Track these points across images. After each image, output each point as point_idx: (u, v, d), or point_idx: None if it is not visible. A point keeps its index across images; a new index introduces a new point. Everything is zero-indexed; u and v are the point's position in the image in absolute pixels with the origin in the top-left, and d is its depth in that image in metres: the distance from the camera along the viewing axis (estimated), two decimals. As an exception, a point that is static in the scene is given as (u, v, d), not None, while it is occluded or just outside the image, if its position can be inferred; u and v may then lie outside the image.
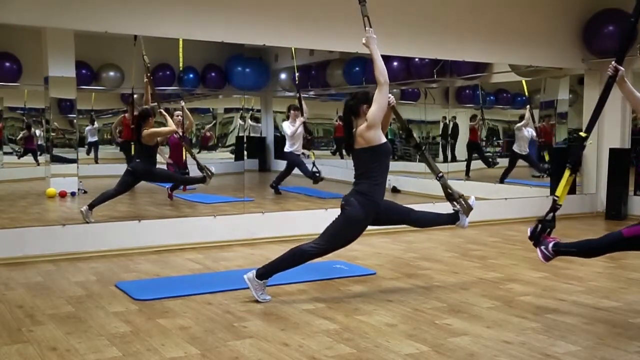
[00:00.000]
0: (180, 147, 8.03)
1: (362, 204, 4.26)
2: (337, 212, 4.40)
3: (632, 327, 3.81)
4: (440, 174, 4.90)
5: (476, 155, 10.03)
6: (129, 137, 7.77)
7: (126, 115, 8.14)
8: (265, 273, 4.31)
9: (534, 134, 9.55)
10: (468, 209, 4.79)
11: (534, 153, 9.83)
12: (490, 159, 10.13)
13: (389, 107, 4.58)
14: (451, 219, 4.80)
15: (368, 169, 4.28)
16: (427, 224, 4.88)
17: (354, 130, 4.28)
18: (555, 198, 4.22)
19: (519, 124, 9.61)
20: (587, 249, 4.09)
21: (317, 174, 8.44)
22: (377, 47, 4.31)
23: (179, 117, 7.95)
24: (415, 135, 10.00)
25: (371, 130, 4.20)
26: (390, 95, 4.51)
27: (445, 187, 4.83)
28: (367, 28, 4.39)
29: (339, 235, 4.34)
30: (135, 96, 7.63)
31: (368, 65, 9.07)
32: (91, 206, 6.31)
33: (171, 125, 6.99)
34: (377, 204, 4.32)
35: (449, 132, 9.66)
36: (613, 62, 4.01)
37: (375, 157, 4.27)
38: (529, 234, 4.30)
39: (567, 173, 4.24)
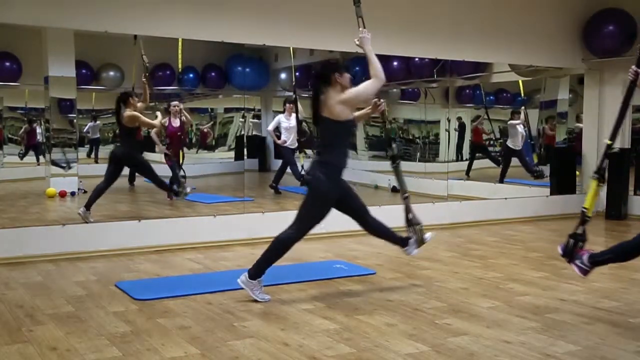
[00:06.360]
0: (179, 139, 8.02)
1: (329, 175, 4.24)
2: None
3: (632, 327, 3.81)
4: (406, 195, 4.69)
5: (480, 155, 10.01)
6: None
7: None
8: (256, 272, 4.31)
9: (524, 133, 9.56)
10: (420, 241, 4.68)
11: (530, 154, 9.83)
12: (498, 157, 10.09)
13: (378, 110, 4.59)
14: (401, 242, 4.69)
15: (334, 140, 4.27)
16: (378, 232, 4.63)
17: (323, 97, 4.22)
18: (584, 210, 4.02)
19: (512, 121, 9.58)
20: (622, 253, 3.92)
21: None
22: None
23: (177, 107, 7.97)
24: (416, 135, 10.11)
25: (341, 106, 4.18)
26: (382, 100, 4.54)
27: (407, 209, 4.67)
28: (360, 29, 4.41)
29: (312, 213, 4.32)
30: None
31: (368, 66, 9.14)
32: (87, 206, 6.31)
33: (156, 123, 7.02)
34: (342, 171, 4.30)
35: (448, 131, 9.64)
36: (633, 67, 3.87)
37: (341, 130, 4.27)
38: (560, 251, 4.09)
39: (594, 183, 4.03)
